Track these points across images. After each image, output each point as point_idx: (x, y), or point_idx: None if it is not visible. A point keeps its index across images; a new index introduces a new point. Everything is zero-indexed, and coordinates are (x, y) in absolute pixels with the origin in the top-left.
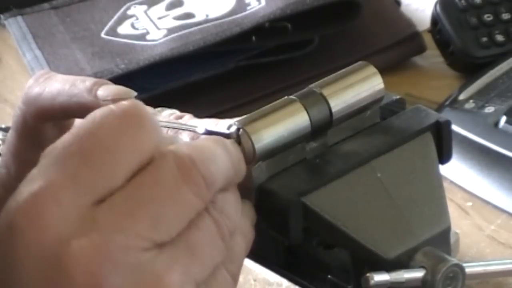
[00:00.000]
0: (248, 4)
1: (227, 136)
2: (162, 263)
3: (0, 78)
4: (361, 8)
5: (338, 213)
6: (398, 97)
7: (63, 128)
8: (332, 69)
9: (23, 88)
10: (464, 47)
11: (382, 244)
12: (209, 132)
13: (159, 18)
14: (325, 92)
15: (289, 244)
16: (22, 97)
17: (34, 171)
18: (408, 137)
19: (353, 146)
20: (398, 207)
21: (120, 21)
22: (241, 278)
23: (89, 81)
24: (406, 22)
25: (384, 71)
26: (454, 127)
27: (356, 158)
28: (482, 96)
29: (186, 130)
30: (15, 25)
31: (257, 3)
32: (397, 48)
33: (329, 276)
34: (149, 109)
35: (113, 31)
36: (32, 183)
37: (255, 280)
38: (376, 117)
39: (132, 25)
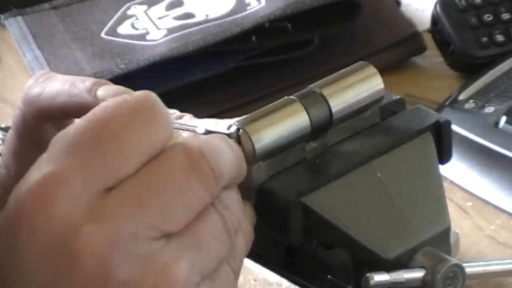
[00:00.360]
0: (248, 4)
1: (227, 136)
2: (169, 253)
3: (0, 78)
4: (361, 8)
5: (338, 213)
6: (398, 97)
7: (63, 128)
8: (332, 69)
9: (23, 88)
10: (464, 47)
11: (382, 244)
12: (209, 132)
13: (159, 18)
14: (325, 92)
15: (289, 244)
16: (22, 97)
17: (45, 156)
18: (408, 137)
19: (353, 146)
20: (398, 207)
21: (120, 21)
22: (241, 278)
23: (89, 81)
24: (406, 22)
25: (384, 71)
26: (454, 127)
27: (356, 158)
28: (482, 96)
29: (186, 130)
30: (15, 25)
31: (257, 3)
32: (397, 48)
33: (329, 276)
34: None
35: (113, 31)
36: (43, 167)
37: (255, 280)
38: (376, 117)
39: (132, 25)
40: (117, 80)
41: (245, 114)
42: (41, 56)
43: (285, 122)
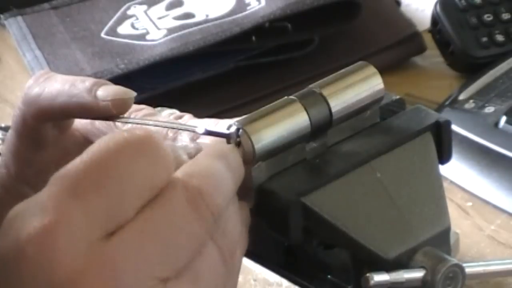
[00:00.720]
0: (248, 4)
1: (227, 136)
2: None
3: (0, 78)
4: (361, 8)
5: (338, 213)
6: (398, 97)
7: (63, 128)
8: (332, 69)
9: (23, 88)
10: (464, 47)
11: (382, 244)
12: (209, 132)
13: (159, 18)
14: (325, 92)
15: (289, 244)
16: (22, 97)
17: (44, 195)
18: (408, 137)
19: (353, 146)
20: (398, 207)
21: (120, 21)
22: (241, 278)
23: (88, 81)
24: (406, 22)
25: (384, 71)
26: (454, 127)
27: (356, 158)
28: (482, 96)
29: (186, 130)
30: (15, 25)
31: (257, 3)
32: (397, 48)
33: (329, 276)
34: (150, 109)
35: (113, 31)
36: (44, 213)
37: (255, 280)
38: (376, 117)
39: (132, 25)
40: (117, 80)
41: (245, 114)
42: (41, 56)
43: (285, 122)
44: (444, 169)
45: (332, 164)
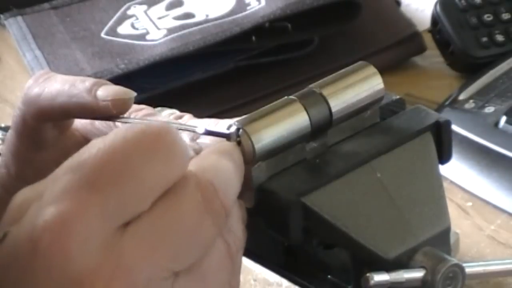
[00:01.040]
0: (248, 4)
1: (227, 136)
2: None
3: (0, 78)
4: (361, 8)
5: (338, 213)
6: (398, 97)
7: (63, 128)
8: (332, 69)
9: (23, 88)
10: (464, 47)
11: (382, 244)
12: (209, 132)
13: (159, 18)
14: (325, 92)
15: (289, 244)
16: (22, 97)
17: (60, 187)
18: (408, 137)
19: (353, 146)
20: (398, 207)
21: (120, 21)
22: (241, 278)
23: (88, 82)
24: (406, 22)
25: (384, 71)
26: (454, 127)
27: (356, 158)
28: (482, 96)
29: (186, 130)
30: (15, 25)
31: (257, 3)
32: (397, 48)
33: (329, 276)
34: (150, 109)
35: (113, 31)
36: (62, 202)
37: (255, 280)
38: (376, 117)
39: (132, 25)
40: (117, 80)
41: (245, 114)
42: (41, 56)
43: (285, 122)
44: (444, 169)
45: (332, 164)
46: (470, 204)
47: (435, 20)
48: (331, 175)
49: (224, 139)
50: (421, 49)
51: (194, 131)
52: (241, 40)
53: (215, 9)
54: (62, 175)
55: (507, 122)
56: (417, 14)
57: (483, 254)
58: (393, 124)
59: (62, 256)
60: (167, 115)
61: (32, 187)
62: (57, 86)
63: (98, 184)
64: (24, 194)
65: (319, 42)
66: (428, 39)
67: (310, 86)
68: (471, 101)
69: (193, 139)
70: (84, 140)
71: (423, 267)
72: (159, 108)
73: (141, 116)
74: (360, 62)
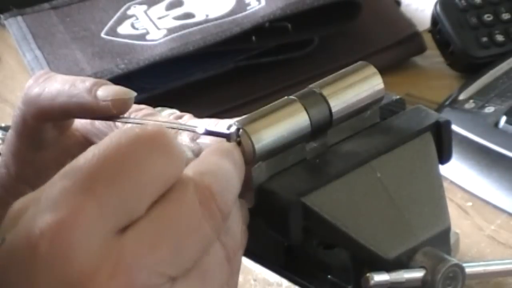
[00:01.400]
0: (248, 4)
1: (227, 136)
2: None
3: (0, 78)
4: (361, 8)
5: (338, 213)
6: (398, 97)
7: (63, 128)
8: (332, 69)
9: (23, 88)
10: (464, 47)
11: (382, 244)
12: (209, 132)
13: (159, 18)
14: (325, 92)
15: (289, 244)
16: (22, 97)
17: (55, 193)
18: (408, 137)
19: (353, 146)
20: (398, 207)
21: (120, 21)
22: (241, 278)
23: (88, 82)
24: (406, 22)
25: (384, 71)
26: (454, 127)
27: (356, 158)
28: (482, 96)
29: (186, 130)
30: (15, 25)
31: (257, 3)
32: (397, 48)
33: (329, 276)
34: (150, 109)
35: (113, 31)
36: (57, 208)
37: (255, 280)
38: (376, 117)
39: (132, 25)
40: (117, 80)
41: (245, 114)
42: (41, 56)
43: (285, 122)
44: (444, 169)
45: (332, 164)
46: (470, 204)
47: (435, 20)
48: (331, 175)
49: (224, 139)
50: (421, 49)
51: (194, 131)
52: (241, 40)
53: (215, 9)
54: (59, 181)
55: (507, 122)
56: (417, 14)
57: (483, 254)
58: (393, 124)
59: (61, 262)
60: (167, 115)
61: (30, 194)
62: (57, 86)
63: (94, 188)
64: (22, 201)
65: (319, 42)
66: (428, 39)
67: (310, 86)
68: (471, 101)
69: (193, 139)
70: (84, 140)
71: (423, 267)
72: (159, 108)
73: (141, 116)
74: (360, 62)
